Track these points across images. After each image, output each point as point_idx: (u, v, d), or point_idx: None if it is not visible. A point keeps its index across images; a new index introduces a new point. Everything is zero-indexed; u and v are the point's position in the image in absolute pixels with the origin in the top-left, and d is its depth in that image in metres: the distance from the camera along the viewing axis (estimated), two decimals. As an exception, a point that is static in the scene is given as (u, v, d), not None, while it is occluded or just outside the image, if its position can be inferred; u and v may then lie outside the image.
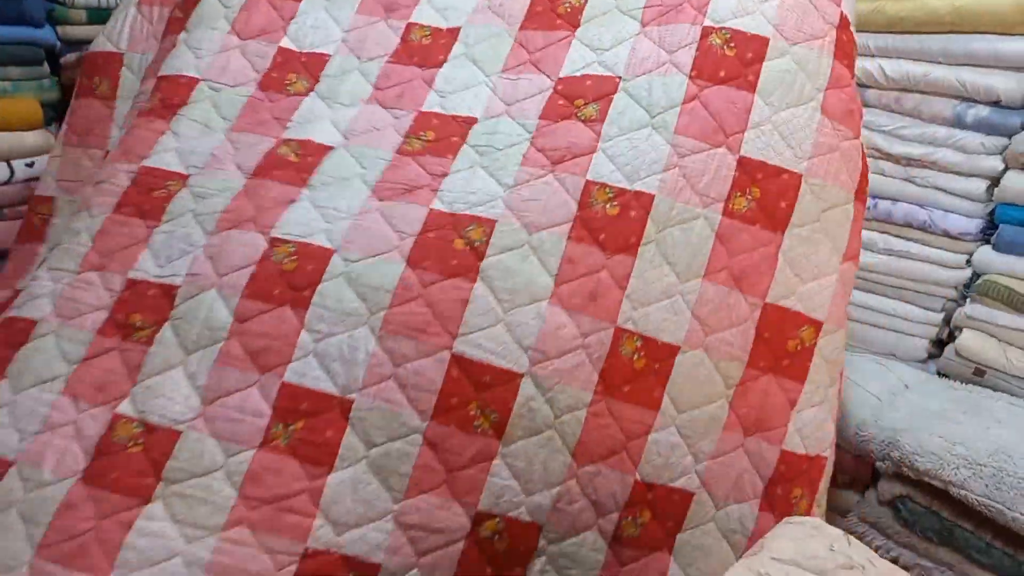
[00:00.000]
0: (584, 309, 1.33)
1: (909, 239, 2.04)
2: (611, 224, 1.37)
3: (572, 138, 1.43)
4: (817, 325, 1.44)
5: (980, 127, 1.91)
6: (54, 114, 2.08)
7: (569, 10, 1.56)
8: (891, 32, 2.03)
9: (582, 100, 1.47)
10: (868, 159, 1.75)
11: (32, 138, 1.93)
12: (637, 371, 1.35)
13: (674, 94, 1.45)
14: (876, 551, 1.77)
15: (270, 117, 1.53)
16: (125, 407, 1.28)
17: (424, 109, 1.51)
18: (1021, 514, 1.51)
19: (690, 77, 1.46)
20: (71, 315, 1.35)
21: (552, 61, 1.52)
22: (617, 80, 1.48)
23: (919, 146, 2.00)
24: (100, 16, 2.12)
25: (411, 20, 1.61)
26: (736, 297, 1.39)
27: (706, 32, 1.48)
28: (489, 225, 1.36)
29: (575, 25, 1.55)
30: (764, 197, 1.42)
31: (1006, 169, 1.88)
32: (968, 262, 1.96)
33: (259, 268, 1.35)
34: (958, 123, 1.94)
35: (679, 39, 1.49)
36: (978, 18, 1.87)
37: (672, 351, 1.36)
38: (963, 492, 1.59)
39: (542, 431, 1.30)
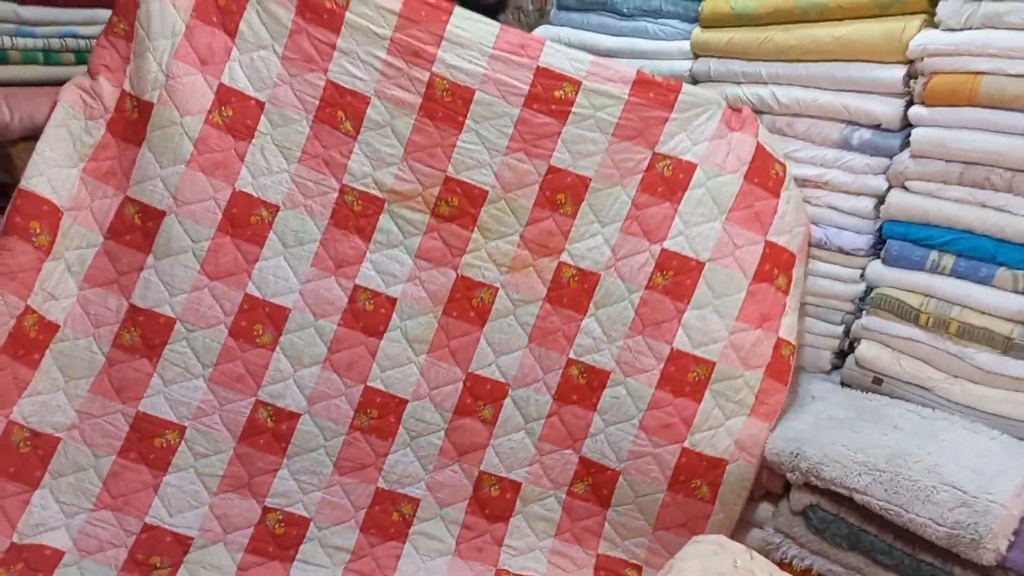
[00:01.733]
0: (474, 558, 1.89)
1: (808, 256, 2.14)
2: (493, 502, 1.94)
3: (474, 437, 1.94)
4: None
5: (865, 148, 2.02)
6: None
7: (480, 305, 1.94)
8: (781, 60, 2.13)
9: (482, 402, 1.95)
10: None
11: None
12: None
13: (542, 409, 1.96)
14: (791, 561, 1.84)
15: (244, 371, 1.84)
16: None
17: (369, 383, 1.91)
18: (916, 515, 1.60)
19: (554, 398, 1.96)
20: (92, 550, 1.71)
21: (464, 354, 1.93)
22: (507, 387, 1.96)
23: (812, 167, 2.10)
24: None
25: (356, 282, 1.89)
26: (577, 551, 1.94)
27: (569, 363, 1.96)
28: (415, 503, 1.91)
29: (484, 322, 1.94)
30: (595, 484, 1.96)
31: (890, 188, 2.00)
32: (862, 276, 2.06)
33: (256, 530, 1.82)
34: (845, 145, 2.05)
35: (551, 363, 1.96)
36: (856, 47, 1.98)
37: None
38: (865, 497, 1.67)
39: None
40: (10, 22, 2.01)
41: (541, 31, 2.65)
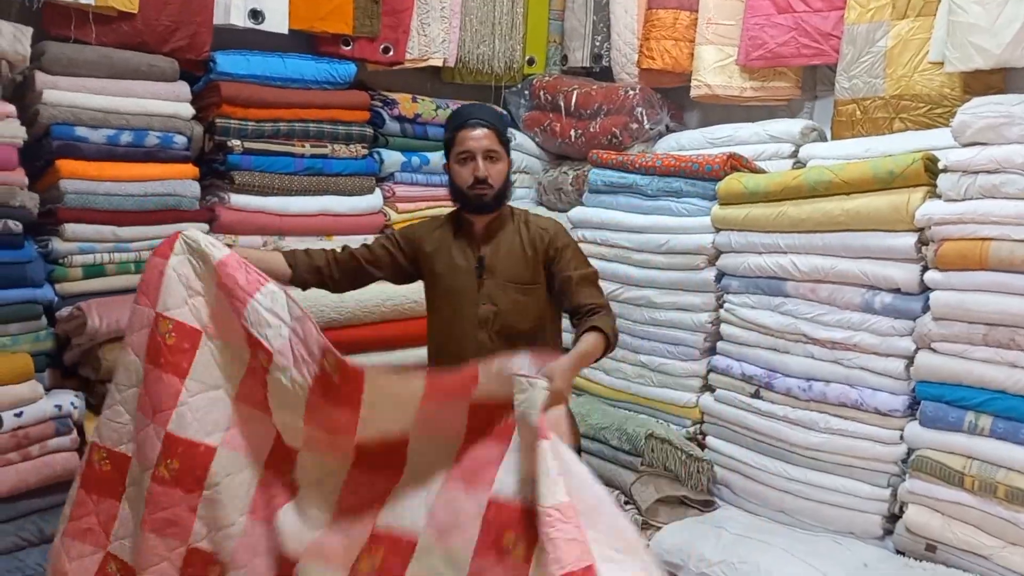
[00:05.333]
0: None
1: (846, 418, 2.14)
2: None
3: None
4: None
5: (887, 312, 2.07)
6: (47, 361, 2.25)
7: None
8: (797, 232, 2.26)
9: None
10: (797, 343, 2.07)
11: (22, 389, 2.05)
12: None
13: None
14: None
15: None
16: None
17: None
18: None
19: None
20: None
21: None
22: None
23: (839, 330, 2.15)
24: (95, 271, 2.36)
25: None
26: None
27: None
28: None
29: None
30: None
31: (918, 349, 2.02)
32: (902, 437, 2.04)
33: None
34: (868, 308, 2.11)
35: None
36: (866, 218, 2.09)
37: None
38: None
39: None
40: (109, 241, 2.33)
41: (577, 212, 2.88)
